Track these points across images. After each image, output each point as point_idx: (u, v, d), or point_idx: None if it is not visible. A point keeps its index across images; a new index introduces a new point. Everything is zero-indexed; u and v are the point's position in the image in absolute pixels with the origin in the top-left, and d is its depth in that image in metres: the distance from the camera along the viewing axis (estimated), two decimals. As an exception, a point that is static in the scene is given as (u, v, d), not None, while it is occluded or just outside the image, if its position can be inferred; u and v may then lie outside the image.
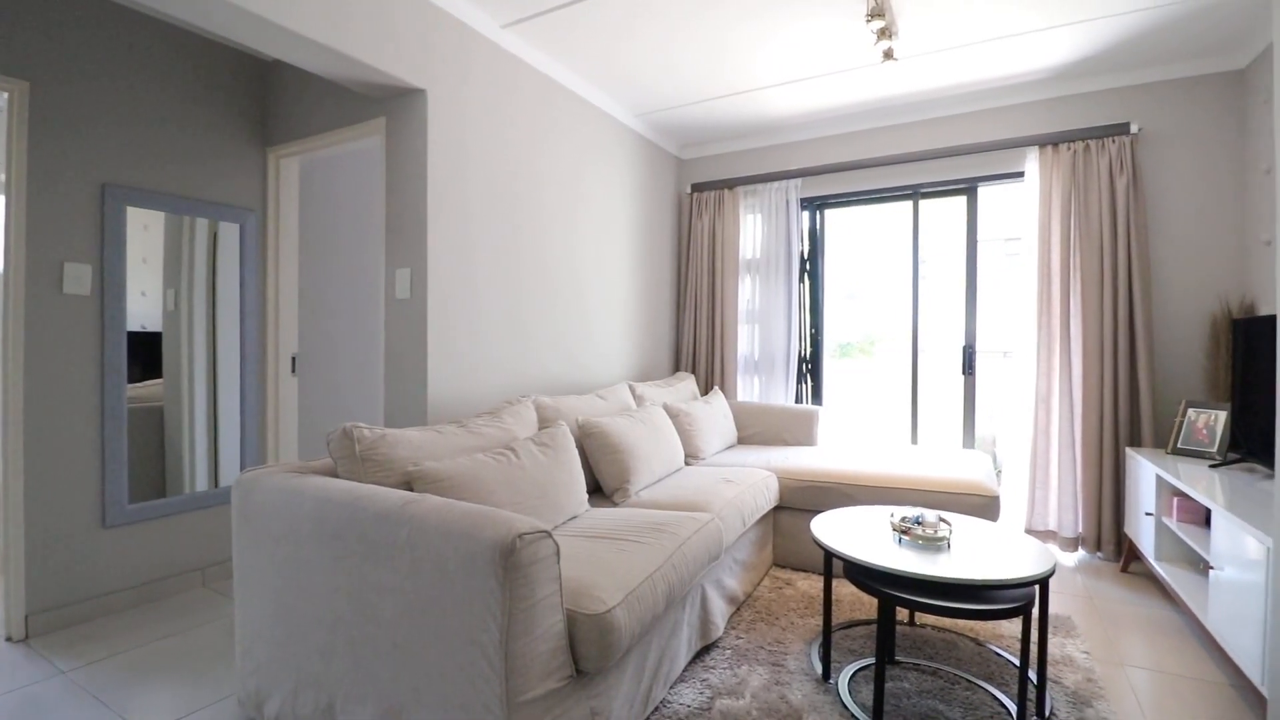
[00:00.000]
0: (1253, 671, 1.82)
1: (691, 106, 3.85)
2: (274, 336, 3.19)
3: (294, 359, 3.25)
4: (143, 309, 2.72)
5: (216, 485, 2.98)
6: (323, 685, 1.62)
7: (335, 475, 1.88)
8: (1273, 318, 2.39)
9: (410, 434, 2.01)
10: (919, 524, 2.04)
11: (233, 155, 3.06)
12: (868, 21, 2.62)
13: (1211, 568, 2.13)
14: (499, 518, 1.39)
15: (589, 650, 1.47)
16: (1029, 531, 3.40)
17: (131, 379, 2.67)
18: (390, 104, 2.67)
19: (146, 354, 2.74)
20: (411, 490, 1.83)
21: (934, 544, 1.99)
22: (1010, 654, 2.22)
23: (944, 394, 4.30)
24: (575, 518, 2.27)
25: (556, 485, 2.20)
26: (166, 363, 2.82)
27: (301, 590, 1.66)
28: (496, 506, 1.89)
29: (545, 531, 1.40)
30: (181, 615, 2.58)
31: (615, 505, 2.62)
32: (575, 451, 2.41)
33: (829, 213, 4.31)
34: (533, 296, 3.18)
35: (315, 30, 2.17)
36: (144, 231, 2.72)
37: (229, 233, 3.03)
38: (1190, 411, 2.91)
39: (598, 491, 2.81)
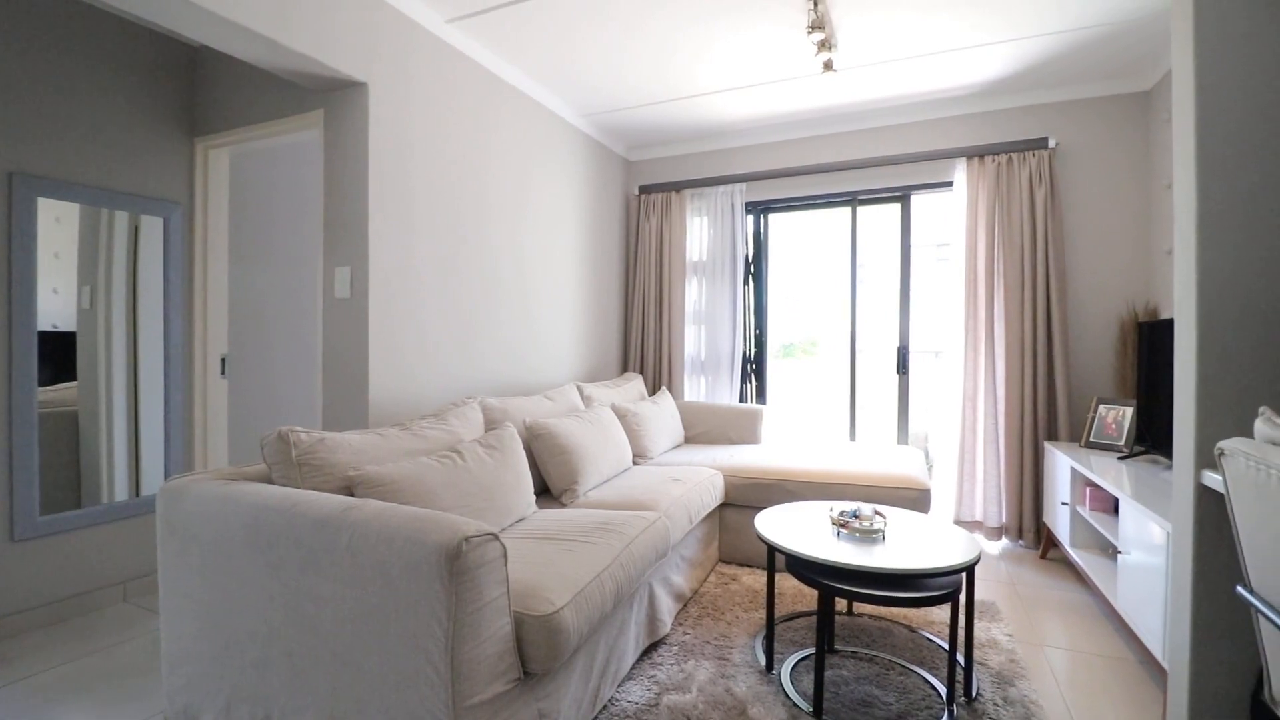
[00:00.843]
0: (1156, 647, 1.98)
1: (638, 109, 3.88)
2: (201, 336, 3.04)
3: (224, 360, 3.10)
4: (55, 307, 2.55)
5: (138, 494, 2.82)
6: (258, 699, 1.56)
7: (270, 481, 1.82)
8: (1173, 321, 2.60)
9: (350, 438, 1.96)
10: (856, 517, 2.13)
11: (156, 145, 2.89)
12: (808, 33, 2.70)
13: (1120, 552, 2.30)
14: (444, 521, 1.37)
15: (537, 652, 1.47)
16: (957, 522, 3.58)
17: (42, 382, 2.50)
18: (329, 96, 2.58)
19: (59, 355, 2.57)
20: (352, 495, 1.79)
21: (870, 536, 2.08)
22: (941, 639, 2.34)
23: (880, 392, 4.48)
24: (523, 520, 2.26)
25: (503, 487, 2.19)
26: (82, 364, 2.64)
27: (234, 602, 1.60)
28: (442, 510, 1.87)
29: (492, 534, 1.39)
30: (101, 633, 2.43)
31: (563, 506, 2.62)
32: (522, 453, 2.39)
33: (773, 217, 4.42)
34: (479, 296, 3.14)
35: (251, 18, 2.08)
36: (56, 224, 2.55)
37: (152, 226, 2.87)
38: (1101, 408, 3.13)
39: (546, 493, 2.80)
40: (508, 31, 2.92)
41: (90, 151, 2.66)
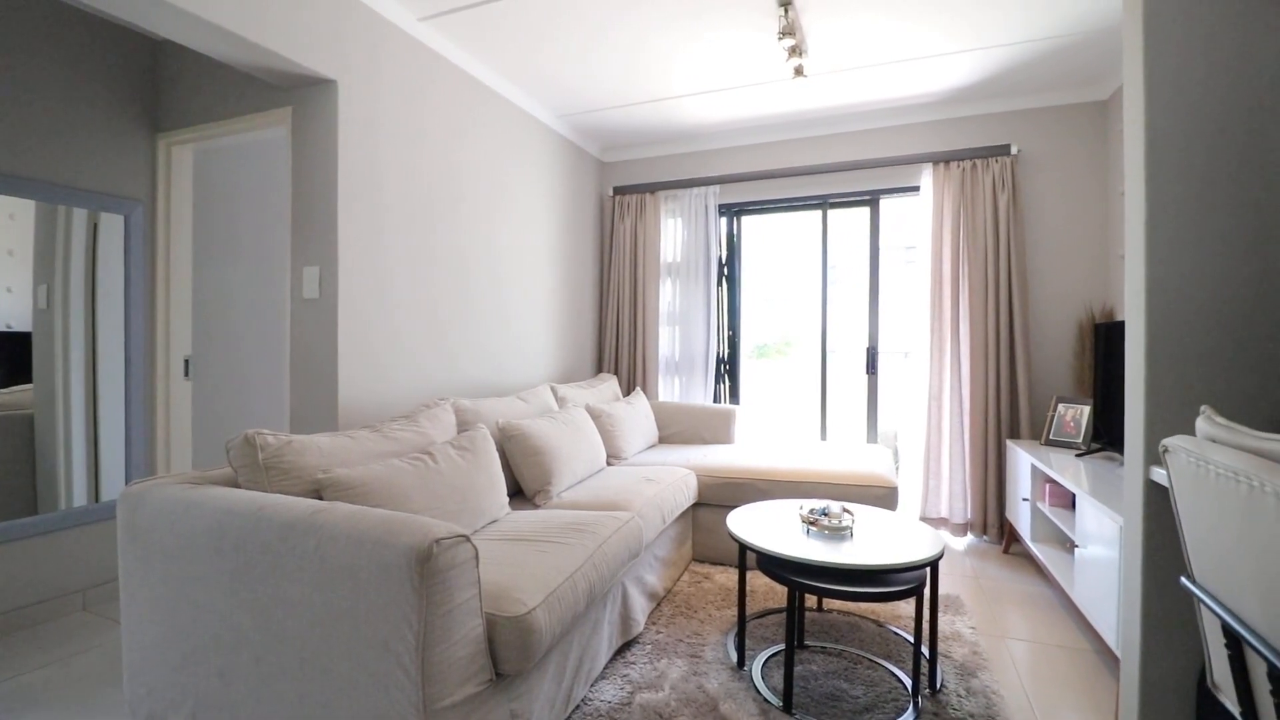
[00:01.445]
0: (1110, 637, 2.05)
1: (612, 110, 3.89)
2: (164, 337, 2.97)
3: (187, 361, 3.03)
4: (9, 306, 2.47)
5: (97, 500, 2.74)
6: (224, 706, 1.54)
7: (236, 485, 1.79)
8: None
9: (319, 440, 1.93)
10: (825, 515, 2.17)
11: (117, 141, 2.82)
12: (779, 39, 2.74)
13: (1076, 546, 2.38)
14: (415, 523, 1.37)
15: (509, 653, 1.48)
16: (923, 519, 3.66)
17: (-5, 384, 2.42)
18: (297, 93, 2.55)
19: (14, 356, 2.49)
20: (321, 499, 1.77)
21: (838, 533, 2.12)
22: (907, 633, 2.39)
23: (850, 392, 4.56)
24: (495, 521, 2.26)
25: (476, 489, 2.18)
26: (37, 365, 2.57)
27: (198, 608, 1.57)
28: (413, 513, 1.86)
29: (463, 536, 1.39)
30: (59, 642, 2.36)
31: (537, 507, 2.62)
32: (495, 455, 2.39)
33: (746, 219, 4.47)
34: (451, 297, 3.12)
35: (219, 14, 2.04)
36: (10, 221, 2.47)
37: (112, 224, 2.80)
38: (1060, 406, 3.23)
39: (519, 494, 2.79)
40: (480, 30, 2.91)
41: (46, 146, 2.58)
